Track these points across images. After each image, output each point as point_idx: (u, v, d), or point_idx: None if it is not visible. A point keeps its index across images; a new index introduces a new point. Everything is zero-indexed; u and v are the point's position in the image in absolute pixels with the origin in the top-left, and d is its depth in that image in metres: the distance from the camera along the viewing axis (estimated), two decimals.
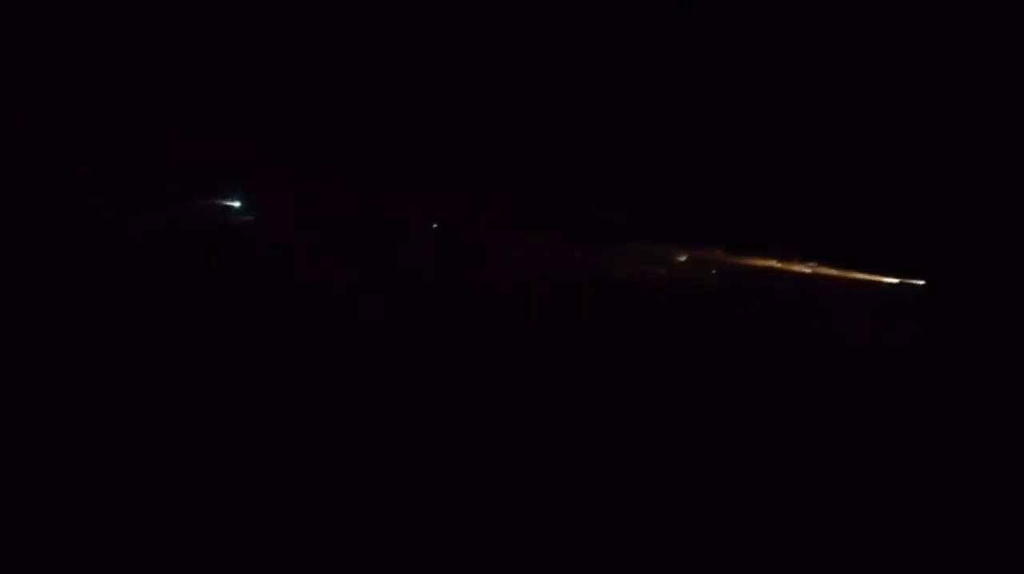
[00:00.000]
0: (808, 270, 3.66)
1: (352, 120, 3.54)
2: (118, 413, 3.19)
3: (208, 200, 3.58)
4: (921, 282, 3.51)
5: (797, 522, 3.19)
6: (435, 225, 3.55)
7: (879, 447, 3.28)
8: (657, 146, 3.57)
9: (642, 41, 3.52)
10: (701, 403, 3.36)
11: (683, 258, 3.71)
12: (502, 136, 3.55)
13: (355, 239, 3.58)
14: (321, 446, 3.22)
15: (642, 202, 3.62)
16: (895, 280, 3.55)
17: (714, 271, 3.69)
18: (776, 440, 3.30)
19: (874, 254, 3.54)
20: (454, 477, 3.19)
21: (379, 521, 3.11)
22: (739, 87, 3.54)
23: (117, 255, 3.44)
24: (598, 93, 3.57)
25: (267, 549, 3.07)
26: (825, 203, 3.48)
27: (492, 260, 3.63)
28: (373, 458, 3.20)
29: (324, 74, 3.52)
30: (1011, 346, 3.32)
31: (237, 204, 3.59)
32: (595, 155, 3.60)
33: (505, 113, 3.56)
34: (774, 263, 3.68)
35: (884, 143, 3.50)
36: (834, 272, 3.63)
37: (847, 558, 3.15)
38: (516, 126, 3.55)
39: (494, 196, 3.58)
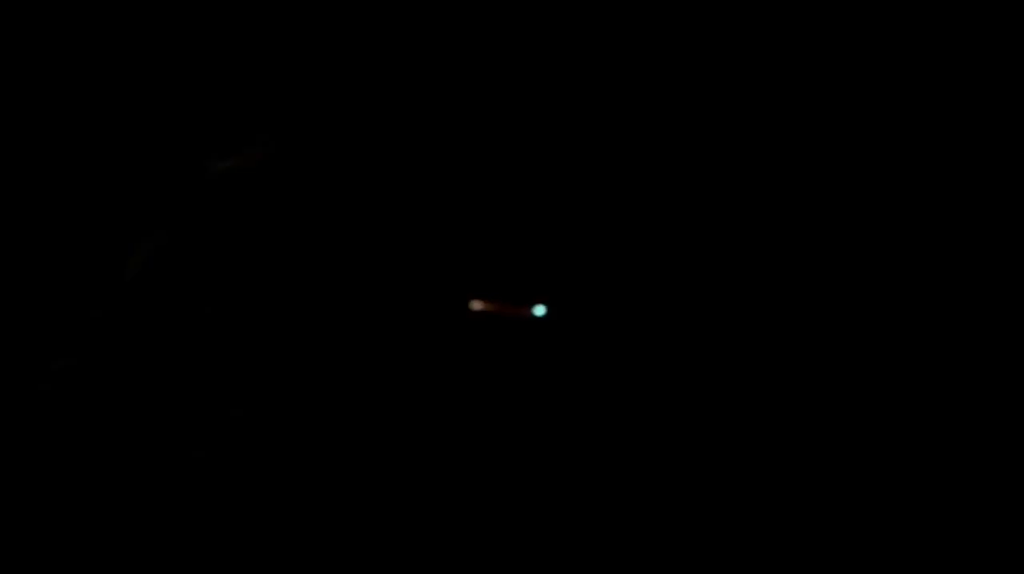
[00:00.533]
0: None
1: (354, 120, 3.54)
2: (116, 412, 3.20)
3: (207, 200, 3.58)
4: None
5: (797, 522, 3.20)
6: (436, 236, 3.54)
7: (879, 447, 3.29)
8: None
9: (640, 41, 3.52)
10: (700, 402, 3.36)
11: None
12: (502, 136, 3.55)
13: (355, 239, 3.58)
14: (321, 446, 3.22)
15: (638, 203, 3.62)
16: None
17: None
18: (776, 440, 3.31)
19: (871, 255, 3.53)
20: (454, 477, 3.20)
21: (379, 521, 3.13)
22: (736, 86, 3.53)
23: (117, 254, 3.45)
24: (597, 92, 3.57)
25: (267, 549, 3.08)
26: (826, 204, 3.48)
27: (492, 260, 3.63)
28: (373, 458, 3.21)
29: (324, 74, 3.53)
30: (1011, 346, 3.33)
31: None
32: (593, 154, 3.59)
33: (505, 111, 3.56)
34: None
35: (882, 143, 3.50)
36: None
37: (847, 558, 3.16)
38: (515, 125, 3.55)
39: (493, 195, 3.58)
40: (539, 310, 3.37)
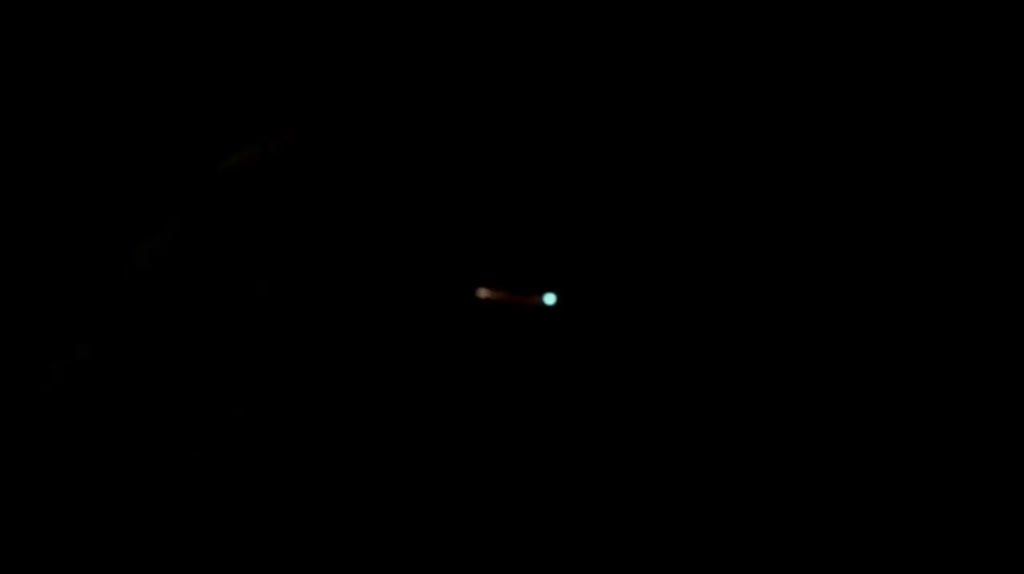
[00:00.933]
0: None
1: (360, 112, 3.54)
2: (116, 412, 3.20)
3: (205, 200, 3.58)
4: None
5: (797, 522, 3.20)
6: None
7: (878, 447, 3.29)
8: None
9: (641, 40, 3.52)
10: (713, 393, 3.36)
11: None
12: (508, 124, 3.55)
13: (354, 236, 3.57)
14: (323, 444, 3.22)
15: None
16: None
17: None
18: (774, 440, 3.31)
19: (867, 256, 3.54)
20: (461, 473, 3.20)
21: (383, 520, 3.13)
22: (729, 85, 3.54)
23: (117, 254, 3.45)
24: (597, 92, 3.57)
25: (267, 549, 3.08)
26: (825, 204, 3.49)
27: (490, 259, 3.63)
28: (377, 455, 3.21)
29: (330, 67, 3.53)
30: (1011, 346, 3.33)
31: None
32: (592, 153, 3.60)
33: (504, 109, 3.56)
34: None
35: (879, 142, 3.50)
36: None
37: (847, 558, 3.17)
38: (515, 124, 3.56)
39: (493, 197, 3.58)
40: (549, 298, 3.35)
